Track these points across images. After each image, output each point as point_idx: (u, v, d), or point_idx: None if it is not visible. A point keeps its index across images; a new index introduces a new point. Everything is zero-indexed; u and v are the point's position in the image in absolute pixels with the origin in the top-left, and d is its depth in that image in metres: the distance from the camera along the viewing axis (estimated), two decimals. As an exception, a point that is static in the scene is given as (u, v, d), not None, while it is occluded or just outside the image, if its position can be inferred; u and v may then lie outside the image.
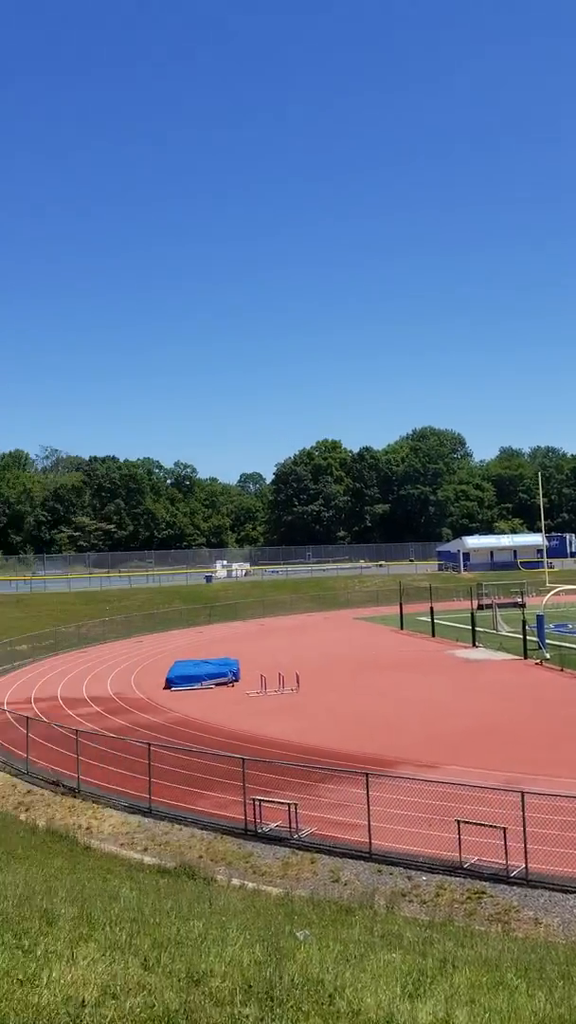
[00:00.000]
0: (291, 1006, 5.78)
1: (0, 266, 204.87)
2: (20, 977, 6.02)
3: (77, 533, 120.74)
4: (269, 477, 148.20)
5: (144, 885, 12.61)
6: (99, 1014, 5.42)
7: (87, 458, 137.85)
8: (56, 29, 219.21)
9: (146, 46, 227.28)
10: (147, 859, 15.80)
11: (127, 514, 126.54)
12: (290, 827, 17.25)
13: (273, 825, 17.50)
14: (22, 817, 18.11)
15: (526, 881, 14.57)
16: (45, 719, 27.11)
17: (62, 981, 5.96)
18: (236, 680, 36.37)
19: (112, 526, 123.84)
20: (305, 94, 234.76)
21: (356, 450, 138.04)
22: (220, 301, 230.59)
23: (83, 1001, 5.61)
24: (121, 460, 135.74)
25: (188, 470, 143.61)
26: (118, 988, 5.99)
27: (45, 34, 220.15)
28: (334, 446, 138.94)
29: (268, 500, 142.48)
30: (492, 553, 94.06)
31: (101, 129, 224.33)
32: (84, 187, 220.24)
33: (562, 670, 35.79)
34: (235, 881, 14.65)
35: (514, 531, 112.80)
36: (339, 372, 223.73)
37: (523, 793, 15.05)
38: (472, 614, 47.57)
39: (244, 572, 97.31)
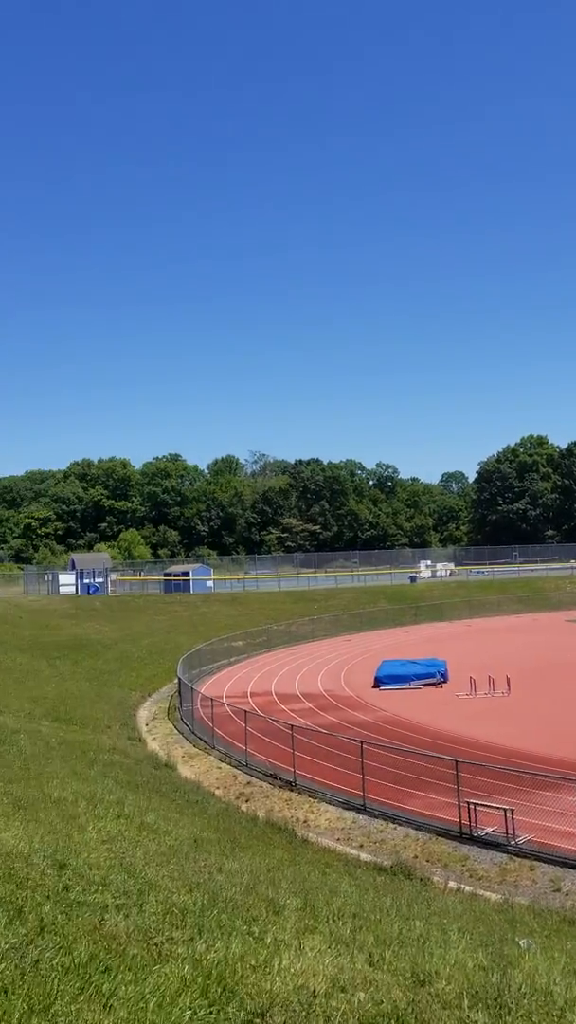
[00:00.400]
0: (520, 1015, 5.67)
1: (215, 278, 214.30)
2: (253, 963, 6.26)
3: (285, 534, 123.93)
4: (472, 476, 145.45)
5: (362, 881, 12.75)
6: (329, 1006, 5.54)
7: (292, 461, 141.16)
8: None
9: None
10: (363, 856, 15.96)
11: (331, 515, 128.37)
12: (506, 832, 16.84)
13: (489, 830, 17.16)
14: (243, 807, 18.82)
15: None
16: (261, 713, 28.02)
17: (292, 970, 6.14)
18: (444, 681, 35.95)
19: (317, 527, 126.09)
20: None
21: (564, 445, 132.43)
22: (418, 300, 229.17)
23: (314, 991, 5.75)
24: (324, 463, 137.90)
25: (390, 471, 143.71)
26: (346, 981, 6.10)
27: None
28: (540, 442, 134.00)
29: (471, 499, 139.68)
30: None
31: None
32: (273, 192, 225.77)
33: None
34: (452, 884, 14.50)
35: None
36: (544, 367, 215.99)
37: None
38: None
39: (448, 572, 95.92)
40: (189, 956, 6.12)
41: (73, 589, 70.39)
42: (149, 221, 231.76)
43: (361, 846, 16.81)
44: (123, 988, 5.16)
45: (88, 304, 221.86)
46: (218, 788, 21.02)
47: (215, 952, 6.33)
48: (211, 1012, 5.12)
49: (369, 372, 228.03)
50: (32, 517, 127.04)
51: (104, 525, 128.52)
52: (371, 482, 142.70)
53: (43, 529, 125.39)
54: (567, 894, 14.35)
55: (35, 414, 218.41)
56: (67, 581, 71.68)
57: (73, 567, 75.45)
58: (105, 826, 11.40)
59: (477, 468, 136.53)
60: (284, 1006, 5.45)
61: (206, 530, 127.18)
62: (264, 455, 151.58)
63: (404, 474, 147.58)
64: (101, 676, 39.19)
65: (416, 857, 16.06)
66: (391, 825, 18.12)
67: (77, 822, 11.36)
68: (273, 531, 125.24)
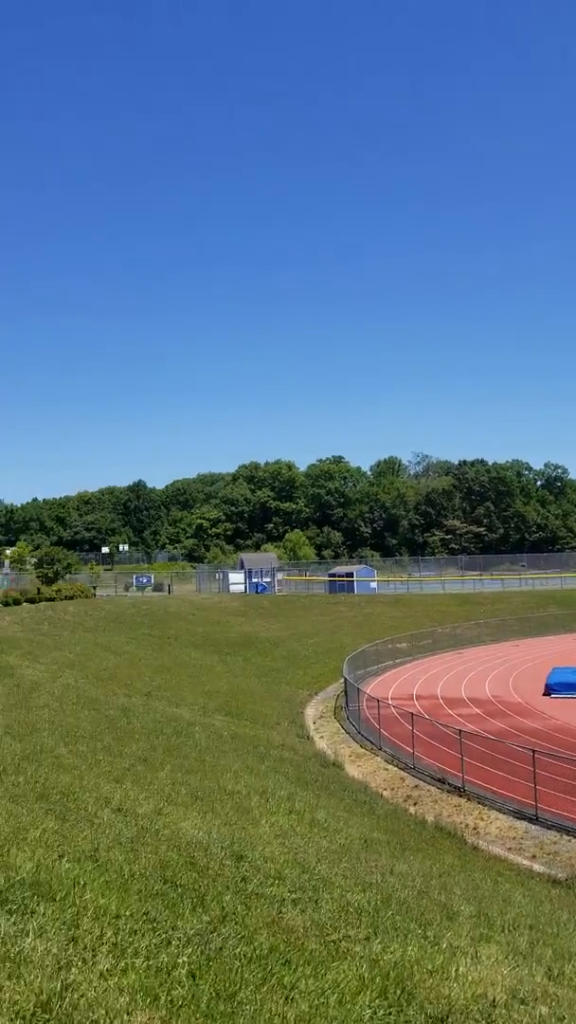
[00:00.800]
0: None
1: (375, 278, 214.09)
2: (430, 967, 6.23)
3: (448, 536, 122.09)
4: None
5: (536, 893, 12.40)
6: (511, 1017, 5.44)
7: (456, 462, 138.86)
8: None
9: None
10: (536, 867, 15.49)
11: (496, 516, 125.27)
12: None
13: None
14: (411, 810, 18.70)
15: None
16: (427, 716, 27.75)
17: (470, 978, 6.06)
18: (622, 690, 34.33)
19: (482, 529, 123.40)
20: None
21: None
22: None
23: (493, 1001, 5.66)
24: (490, 463, 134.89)
25: (559, 471, 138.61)
26: (526, 994, 5.97)
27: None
28: None
29: None
30: None
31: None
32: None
33: None
34: (632, 903, 13.84)
35: None
36: None
37: None
38: None
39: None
40: (366, 955, 6.16)
41: (242, 588, 72.26)
42: (303, 219, 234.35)
43: (534, 857, 16.33)
44: (303, 982, 5.26)
45: (252, 305, 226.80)
46: (385, 789, 20.99)
47: (391, 953, 6.34)
48: (390, 1013, 5.13)
49: (535, 372, 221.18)
50: (203, 518, 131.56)
51: (270, 526, 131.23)
52: (539, 483, 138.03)
53: (213, 529, 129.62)
54: None
55: (206, 419, 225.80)
56: (236, 580, 73.68)
57: (242, 566, 77.43)
58: (277, 821, 11.63)
59: None
60: (464, 1013, 5.40)
61: (369, 531, 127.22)
62: (427, 456, 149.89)
63: (575, 474, 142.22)
64: (270, 673, 40.02)
65: (593, 872, 15.43)
66: (565, 837, 17.50)
67: (251, 815, 11.65)
68: (436, 533, 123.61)
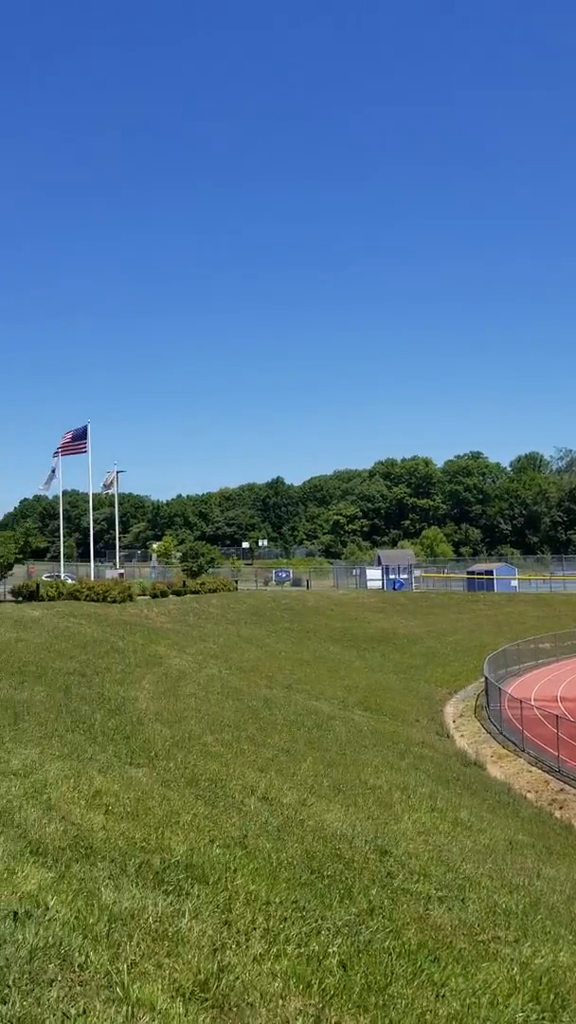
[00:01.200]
0: None
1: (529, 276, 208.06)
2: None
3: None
4: None
5: None
6: None
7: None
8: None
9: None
10: None
11: None
12: None
13: None
14: (556, 814, 18.16)
15: None
16: (572, 719, 26.86)
17: (631, 992, 5.86)
18: None
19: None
20: None
21: None
22: None
23: None
24: None
25: None
26: None
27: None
28: None
29: None
30: None
31: None
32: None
33: None
34: None
35: None
36: None
37: None
38: None
39: None
40: (516, 958, 6.06)
41: (379, 584, 72.05)
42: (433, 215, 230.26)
43: None
44: (453, 980, 5.22)
45: (390, 301, 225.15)
46: (529, 792, 20.47)
47: (542, 958, 6.21)
48: (544, 1018, 5.03)
49: None
50: (340, 514, 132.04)
51: (407, 522, 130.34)
52: None
53: (350, 526, 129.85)
54: None
55: (343, 417, 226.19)
56: (374, 576, 73.53)
57: (379, 563, 77.18)
58: (420, 817, 11.56)
59: None
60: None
61: (509, 528, 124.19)
62: (571, 451, 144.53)
63: None
64: (408, 670, 39.75)
65: None
66: None
67: (392, 811, 11.63)
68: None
